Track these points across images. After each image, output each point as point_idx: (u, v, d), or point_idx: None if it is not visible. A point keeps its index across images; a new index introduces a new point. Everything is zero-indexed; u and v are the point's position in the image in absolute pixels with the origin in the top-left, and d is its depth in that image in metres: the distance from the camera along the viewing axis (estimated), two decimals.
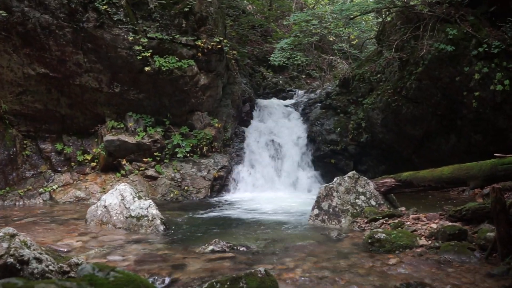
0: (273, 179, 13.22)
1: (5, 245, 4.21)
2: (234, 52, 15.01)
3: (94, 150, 12.00)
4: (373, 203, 7.87)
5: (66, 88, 11.52)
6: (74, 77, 11.35)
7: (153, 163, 11.96)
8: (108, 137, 11.66)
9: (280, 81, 18.91)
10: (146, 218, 7.54)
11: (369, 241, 5.94)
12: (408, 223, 6.78)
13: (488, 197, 7.71)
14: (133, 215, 7.61)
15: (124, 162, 11.80)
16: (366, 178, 8.23)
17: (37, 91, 11.41)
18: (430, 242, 5.92)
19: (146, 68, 11.30)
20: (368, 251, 5.83)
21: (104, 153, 11.75)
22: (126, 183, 8.43)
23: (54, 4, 10.73)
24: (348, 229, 7.43)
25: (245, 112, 14.92)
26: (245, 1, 21.75)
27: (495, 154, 6.87)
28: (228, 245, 6.06)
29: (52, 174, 11.80)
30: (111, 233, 7.33)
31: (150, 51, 11.26)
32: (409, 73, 11.49)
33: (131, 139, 11.72)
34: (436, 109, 11.35)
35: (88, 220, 7.95)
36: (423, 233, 6.24)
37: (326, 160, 13.57)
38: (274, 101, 16.39)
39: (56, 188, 11.44)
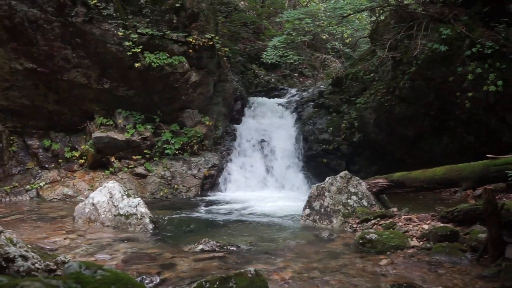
0: (265, 178, 13.22)
1: None
2: (226, 49, 15.00)
3: (82, 147, 11.94)
4: (365, 203, 7.90)
5: (54, 83, 11.44)
6: (62, 72, 11.28)
7: (142, 160, 11.93)
8: (97, 134, 11.61)
9: (272, 79, 18.91)
10: (135, 217, 7.51)
11: (361, 241, 5.96)
12: (400, 224, 6.80)
13: (480, 198, 7.76)
14: (121, 213, 7.59)
15: (113, 159, 11.75)
16: (358, 178, 8.26)
17: (24, 86, 11.32)
18: (421, 243, 5.95)
19: (136, 64, 11.26)
20: (360, 252, 5.85)
21: (92, 150, 11.69)
22: (114, 181, 8.40)
23: None
24: (339, 229, 7.44)
25: (236, 110, 14.92)
26: None
27: (487, 155, 6.93)
28: (218, 244, 6.06)
29: (39, 171, 11.73)
30: (99, 231, 7.29)
31: (140, 47, 11.21)
32: (402, 73, 11.53)
33: (120, 136, 11.68)
34: (429, 109, 11.40)
35: (76, 218, 7.91)
36: (414, 234, 6.27)
37: (318, 159, 13.59)
38: (266, 99, 16.39)
39: (43, 185, 11.37)
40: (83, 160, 11.90)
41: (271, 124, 14.67)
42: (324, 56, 18.16)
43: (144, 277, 4.80)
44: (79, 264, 2.69)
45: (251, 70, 18.77)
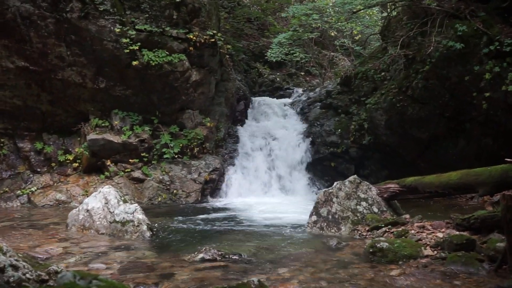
0: (269, 183, 13.22)
1: None
2: (229, 46, 15.01)
3: (76, 150, 11.96)
4: (376, 209, 7.88)
5: (47, 83, 11.47)
6: (56, 71, 11.31)
7: (139, 164, 11.94)
8: (92, 136, 11.63)
9: (277, 79, 18.92)
10: (131, 224, 7.52)
11: (371, 250, 5.93)
12: (413, 231, 6.78)
13: (498, 205, 7.73)
14: (117, 220, 7.59)
15: (108, 163, 11.77)
16: (368, 183, 8.24)
17: (16, 85, 11.35)
18: (435, 252, 5.92)
19: (134, 63, 11.28)
20: (370, 261, 5.82)
21: (87, 153, 11.71)
22: (110, 186, 8.41)
23: None
24: (348, 237, 7.42)
25: (239, 111, 14.93)
26: None
27: (506, 159, 6.88)
28: (220, 253, 6.05)
29: (31, 175, 11.75)
30: (93, 239, 7.29)
31: (138, 44, 11.24)
32: (415, 72, 11.51)
33: (116, 139, 11.70)
34: (444, 110, 11.38)
35: (69, 225, 7.92)
36: (428, 243, 6.24)
37: (326, 163, 13.58)
38: (271, 99, 16.40)
39: (35, 190, 11.39)
40: (77, 164, 11.91)
41: (275, 126, 14.68)
42: (332, 54, 18.17)
43: (142, 287, 4.80)
44: (73, 274, 2.69)
45: (255, 68, 18.79)
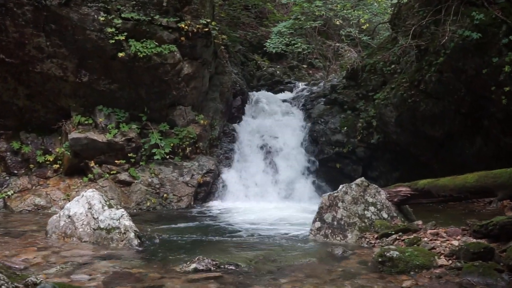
0: (268, 186, 13.21)
1: None
2: (224, 36, 14.99)
3: (57, 150, 11.94)
4: (385, 215, 7.88)
5: (24, 76, 11.45)
6: (35, 63, 11.29)
7: (126, 165, 11.93)
8: (74, 134, 11.61)
9: (278, 72, 18.91)
10: (117, 231, 7.51)
11: (380, 259, 5.94)
12: (426, 239, 6.79)
13: None
14: (102, 226, 7.58)
15: (92, 164, 11.76)
16: (376, 186, 8.24)
17: None
18: (450, 261, 5.93)
19: (120, 54, 11.26)
20: (379, 272, 5.83)
21: (68, 153, 11.70)
22: (94, 189, 8.40)
23: None
24: (355, 245, 7.43)
25: (235, 107, 14.91)
26: None
27: None
28: (214, 263, 6.05)
29: (7, 178, 11.73)
30: (76, 247, 7.28)
31: (125, 34, 11.22)
32: (428, 64, 11.52)
33: (101, 138, 11.68)
34: (460, 106, 11.38)
35: (49, 232, 7.91)
36: (442, 251, 6.25)
37: (331, 164, 13.58)
38: (270, 94, 16.38)
39: (12, 194, 11.37)
40: (57, 165, 11.89)
41: (275, 124, 14.66)
42: (337, 44, 18.13)
43: None
44: (53, 285, 2.69)
45: (252, 60, 18.78)
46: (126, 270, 6.01)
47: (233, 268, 6.04)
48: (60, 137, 12.13)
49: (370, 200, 7.99)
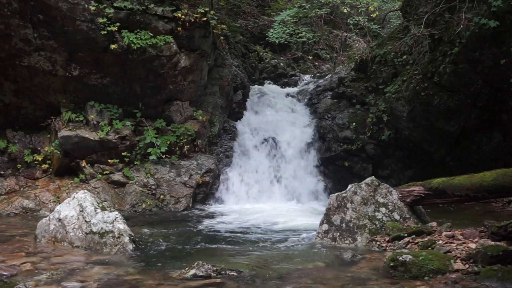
0: (271, 187, 13.21)
1: None
2: (223, 26, 14.97)
3: (46, 149, 11.95)
4: (397, 216, 7.88)
5: (11, 70, 11.46)
6: (22, 56, 11.29)
7: (120, 165, 11.93)
8: (64, 132, 11.61)
9: (281, 64, 18.89)
10: (111, 235, 7.51)
11: (392, 264, 5.94)
12: (441, 242, 6.79)
13: None
14: (94, 230, 7.59)
15: (83, 164, 11.76)
16: (388, 186, 8.24)
17: None
18: (467, 266, 5.93)
19: (112, 46, 11.26)
20: (390, 277, 5.83)
21: (58, 152, 11.71)
22: (86, 191, 8.40)
23: None
24: (365, 249, 7.43)
25: (236, 102, 14.90)
26: None
27: None
28: (214, 268, 6.05)
29: None
30: (67, 253, 7.30)
31: (117, 24, 11.21)
32: (442, 55, 11.50)
33: (92, 135, 11.68)
34: (476, 99, 11.37)
35: (39, 237, 7.92)
36: (458, 255, 6.25)
37: (338, 162, 13.57)
38: (273, 88, 16.37)
39: None
40: (47, 165, 11.90)
41: (279, 119, 14.65)
42: (345, 34, 18.09)
43: None
44: None
45: (254, 52, 18.75)
46: (120, 277, 6.02)
47: (235, 274, 6.04)
48: (49, 135, 12.13)
49: (381, 200, 7.98)
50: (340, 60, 18.72)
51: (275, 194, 13.08)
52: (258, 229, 9.50)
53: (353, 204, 7.93)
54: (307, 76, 17.78)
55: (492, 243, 6.33)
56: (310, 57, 20.13)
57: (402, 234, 7.32)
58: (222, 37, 14.60)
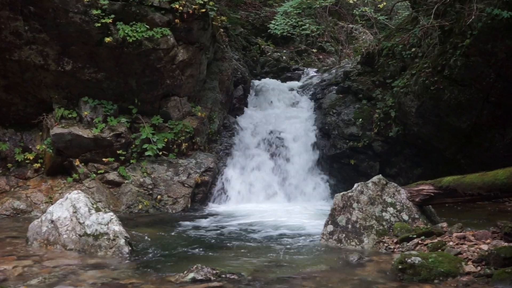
0: (274, 186, 13.22)
1: None
2: (223, 18, 14.98)
3: (37, 147, 11.96)
4: (405, 217, 7.88)
5: (0, 65, 11.45)
6: (12, 50, 11.29)
7: (115, 164, 11.94)
8: (56, 129, 11.62)
9: (284, 57, 18.90)
10: (106, 237, 7.52)
11: (400, 267, 5.95)
12: (451, 243, 6.79)
13: None
14: (89, 232, 7.59)
15: (77, 162, 11.77)
16: (396, 185, 8.24)
17: None
18: (479, 268, 5.93)
19: (107, 39, 11.26)
20: (399, 280, 5.84)
21: (50, 151, 11.72)
22: (79, 191, 8.40)
23: None
24: (372, 251, 7.44)
25: (237, 97, 14.90)
26: None
27: None
28: (214, 272, 6.06)
29: None
30: (60, 256, 7.31)
31: (112, 16, 11.21)
32: (453, 47, 11.49)
33: (86, 133, 11.69)
34: (489, 94, 11.36)
35: (30, 239, 7.93)
36: (470, 257, 6.25)
37: (344, 160, 13.57)
38: (276, 82, 16.37)
39: None
40: (38, 164, 11.90)
41: (282, 115, 14.66)
42: (350, 26, 18.09)
43: None
44: None
45: (255, 45, 18.76)
46: (116, 281, 6.03)
47: (236, 277, 6.05)
48: (41, 133, 12.15)
49: (389, 200, 7.99)
50: (346, 53, 18.75)
51: (277, 194, 13.09)
52: (260, 231, 9.49)
53: (359, 204, 7.93)
54: (311, 70, 17.79)
55: (505, 244, 6.34)
56: (314, 50, 20.14)
57: (411, 235, 7.32)
58: (221, 29, 14.60)
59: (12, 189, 11.64)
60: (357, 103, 14.01)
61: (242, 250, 7.82)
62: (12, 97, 11.93)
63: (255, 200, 12.75)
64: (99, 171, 11.84)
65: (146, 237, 8.62)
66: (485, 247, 6.47)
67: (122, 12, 11.37)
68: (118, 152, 11.87)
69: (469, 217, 9.64)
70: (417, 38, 12.94)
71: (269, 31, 17.49)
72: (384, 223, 7.80)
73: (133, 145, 12.04)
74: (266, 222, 10.24)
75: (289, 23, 15.69)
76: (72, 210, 7.80)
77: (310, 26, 16.17)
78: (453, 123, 11.89)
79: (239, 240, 8.69)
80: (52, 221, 7.84)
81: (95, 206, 7.95)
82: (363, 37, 17.14)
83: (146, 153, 11.96)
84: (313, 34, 18.03)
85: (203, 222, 10.47)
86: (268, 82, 16.27)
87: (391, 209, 7.91)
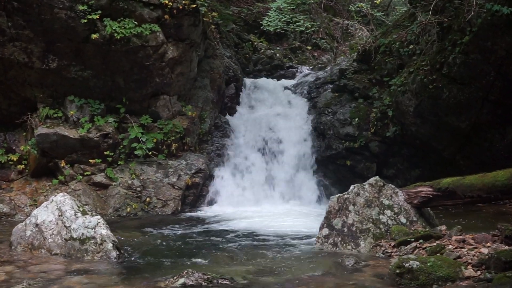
0: (267, 188, 13.21)
1: None
2: (214, 14, 14.96)
3: (21, 148, 11.93)
4: (403, 220, 7.90)
5: None
6: None
7: (103, 165, 11.92)
8: (41, 129, 11.59)
9: (277, 54, 18.89)
10: (93, 241, 7.51)
11: (398, 271, 5.96)
12: (450, 247, 6.81)
13: None
14: (75, 236, 7.58)
15: (63, 164, 11.75)
16: (393, 187, 8.25)
17: None
18: (479, 272, 5.95)
19: (94, 36, 11.24)
20: (396, 285, 5.85)
21: (35, 151, 11.69)
22: (65, 193, 8.38)
23: None
24: (368, 255, 7.45)
25: (229, 96, 14.90)
26: None
27: None
28: (206, 277, 6.06)
29: None
30: (45, 261, 7.29)
31: (99, 12, 11.19)
32: (452, 44, 11.52)
33: (72, 133, 11.67)
34: (489, 92, 11.39)
35: (14, 244, 7.91)
36: (469, 261, 6.27)
37: (340, 161, 13.58)
38: (269, 81, 16.37)
39: None
40: (22, 166, 11.87)
41: (275, 115, 14.64)
42: (346, 22, 18.11)
43: None
44: None
45: (248, 42, 18.75)
46: (103, 287, 6.01)
47: (228, 283, 6.05)
48: (25, 133, 12.11)
49: (386, 202, 8.00)
50: (341, 50, 18.74)
51: (271, 196, 13.08)
52: (253, 234, 9.49)
53: (355, 207, 7.94)
54: (306, 67, 17.79)
55: (506, 247, 6.36)
56: (309, 47, 20.14)
57: (408, 239, 7.34)
58: (213, 26, 14.59)
59: None
60: (353, 102, 14.02)
61: (234, 255, 7.83)
62: None
63: (247, 202, 12.72)
64: (85, 173, 11.82)
65: (134, 241, 8.61)
66: (485, 250, 6.49)
67: (110, 7, 11.35)
68: (105, 153, 11.85)
69: (469, 219, 9.66)
70: (415, 35, 12.96)
71: (262, 27, 17.48)
72: (381, 226, 7.81)
73: (121, 146, 12.02)
74: (259, 225, 10.25)
75: (282, 19, 15.69)
76: (57, 213, 7.79)
77: (304, 23, 16.17)
78: (452, 122, 11.92)
79: (231, 244, 8.68)
80: (37, 225, 7.82)
81: (81, 209, 7.94)
82: (359, 33, 17.16)
83: (136, 152, 11.94)
84: (307, 31, 18.02)
85: (194, 226, 10.46)
86: (261, 81, 16.26)
87: (388, 212, 7.92)
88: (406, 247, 7.24)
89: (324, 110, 14.23)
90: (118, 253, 7.47)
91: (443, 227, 7.73)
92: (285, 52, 19.40)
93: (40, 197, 11.36)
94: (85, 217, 7.76)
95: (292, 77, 17.19)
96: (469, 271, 5.99)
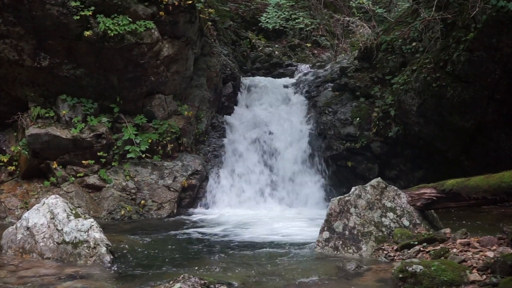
0: (266, 190, 13.20)
1: None
2: (211, 10, 14.96)
3: (12, 149, 11.92)
4: (406, 222, 7.89)
5: None
6: None
7: (96, 167, 11.91)
8: (33, 130, 11.58)
9: (276, 52, 18.89)
10: (86, 245, 7.50)
11: (401, 275, 5.96)
12: (455, 250, 6.81)
13: None
14: (67, 240, 7.57)
15: (55, 165, 11.74)
16: (396, 188, 8.24)
17: None
18: (484, 276, 5.95)
19: (86, 33, 11.23)
20: None
21: (26, 152, 11.68)
22: (57, 195, 8.37)
23: None
24: (370, 259, 7.44)
25: (226, 95, 14.88)
26: None
27: None
28: (202, 282, 6.05)
29: None
30: (36, 265, 7.28)
31: (92, 8, 11.18)
32: (456, 41, 11.53)
33: (64, 133, 11.66)
34: (494, 91, 11.40)
35: (4, 248, 7.90)
36: (475, 265, 6.27)
37: (340, 162, 13.57)
38: (268, 79, 16.36)
39: None
40: (13, 167, 11.86)
41: (274, 114, 14.64)
42: (347, 19, 18.13)
43: None
44: None
45: (246, 39, 18.75)
46: None
47: (225, 287, 6.04)
48: (15, 134, 12.10)
49: (389, 204, 8.00)
50: (342, 48, 18.76)
51: (269, 198, 13.06)
52: (251, 238, 9.49)
53: (357, 209, 7.94)
54: (305, 65, 17.77)
55: None
56: (309, 45, 20.14)
57: (412, 242, 7.33)
58: (209, 23, 14.59)
59: None
60: (354, 101, 14.00)
61: (231, 259, 7.82)
62: None
63: (245, 205, 12.72)
64: (78, 175, 11.81)
65: (129, 245, 8.60)
66: (490, 254, 6.49)
67: (103, 4, 11.35)
68: (98, 154, 11.85)
69: (474, 222, 9.66)
70: (417, 32, 12.95)
71: (260, 24, 17.49)
72: (383, 229, 7.81)
73: (115, 147, 12.02)
74: (258, 228, 10.25)
75: (281, 16, 15.71)
76: (49, 216, 7.78)
77: (304, 19, 16.19)
78: (456, 122, 11.92)
79: (229, 247, 8.69)
80: (28, 228, 7.81)
81: (74, 211, 7.93)
82: (361, 30, 17.17)
83: (129, 155, 11.94)
84: (307, 28, 18.04)
85: (190, 229, 10.45)
86: (259, 79, 16.26)
87: (391, 214, 7.91)
88: (409, 251, 7.23)
89: (324, 109, 14.22)
90: (112, 257, 7.46)
91: (447, 230, 7.72)
92: (284, 50, 19.40)
93: (31, 199, 11.36)
94: (78, 220, 7.76)
95: (291, 75, 17.17)
96: (474, 275, 5.98)
